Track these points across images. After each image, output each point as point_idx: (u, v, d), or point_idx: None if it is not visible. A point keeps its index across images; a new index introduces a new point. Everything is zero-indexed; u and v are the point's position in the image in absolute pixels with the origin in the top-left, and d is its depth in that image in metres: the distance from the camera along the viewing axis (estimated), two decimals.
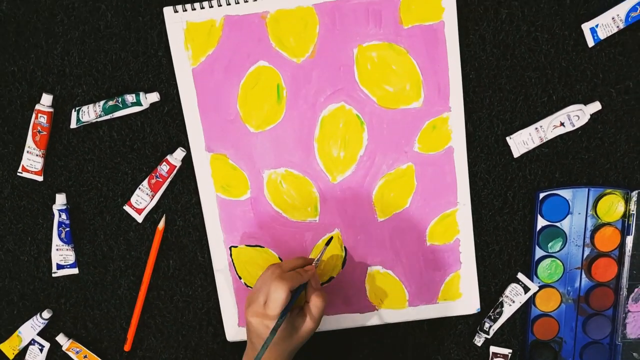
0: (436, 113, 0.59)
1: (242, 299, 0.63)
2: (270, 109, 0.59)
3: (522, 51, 0.59)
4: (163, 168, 0.60)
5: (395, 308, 0.63)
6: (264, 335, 0.51)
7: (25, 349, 0.65)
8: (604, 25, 0.57)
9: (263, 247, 0.62)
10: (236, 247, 0.62)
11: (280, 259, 0.62)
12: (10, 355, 0.65)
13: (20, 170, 0.61)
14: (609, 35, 0.58)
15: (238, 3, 0.57)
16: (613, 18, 0.57)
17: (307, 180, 0.61)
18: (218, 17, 0.57)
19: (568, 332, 0.63)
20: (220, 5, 0.57)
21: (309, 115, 0.59)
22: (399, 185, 0.60)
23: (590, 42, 0.58)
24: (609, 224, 0.61)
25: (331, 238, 0.61)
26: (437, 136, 0.59)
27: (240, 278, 0.63)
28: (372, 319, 0.64)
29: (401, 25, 0.57)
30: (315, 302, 0.54)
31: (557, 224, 0.61)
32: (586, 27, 0.58)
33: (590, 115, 0.59)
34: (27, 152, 0.60)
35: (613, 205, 0.60)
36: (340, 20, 0.57)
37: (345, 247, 0.62)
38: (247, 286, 0.63)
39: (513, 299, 0.62)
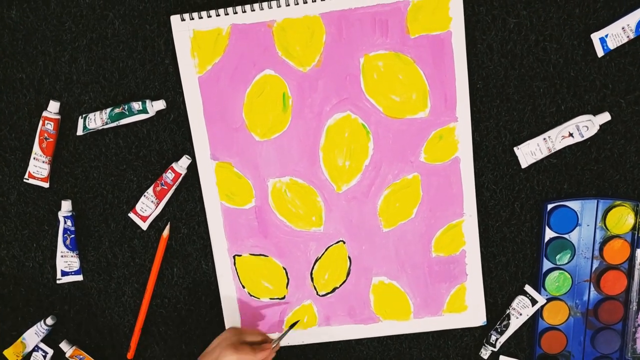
0: (443, 123, 0.58)
1: (246, 307, 0.63)
2: (275, 118, 0.59)
3: (531, 61, 0.58)
4: (168, 176, 0.60)
5: (399, 319, 0.62)
6: None
7: (29, 355, 0.65)
8: (614, 35, 0.57)
9: (267, 256, 0.62)
10: (240, 255, 0.62)
11: (284, 268, 0.62)
12: None
13: (26, 176, 0.61)
14: (618, 45, 0.57)
15: (245, 12, 0.57)
16: (623, 28, 0.56)
17: (312, 189, 0.60)
18: (225, 26, 0.58)
19: (576, 346, 0.62)
20: (227, 14, 0.57)
21: (315, 125, 0.59)
22: (404, 196, 0.60)
23: (600, 52, 0.57)
24: (618, 236, 0.60)
25: (297, 321, 0.62)
26: (444, 146, 0.59)
27: (243, 287, 0.63)
28: (376, 330, 0.63)
29: (408, 35, 0.57)
30: None
31: (565, 236, 0.60)
32: (596, 37, 0.57)
33: (600, 126, 0.58)
34: (34, 158, 0.61)
35: (622, 217, 0.59)
36: (346, 29, 0.57)
37: (349, 257, 0.62)
38: (251, 295, 0.63)
39: (520, 311, 0.61)
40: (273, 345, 0.58)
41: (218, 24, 0.57)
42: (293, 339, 0.63)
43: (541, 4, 0.57)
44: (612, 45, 0.57)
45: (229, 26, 0.58)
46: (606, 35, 0.57)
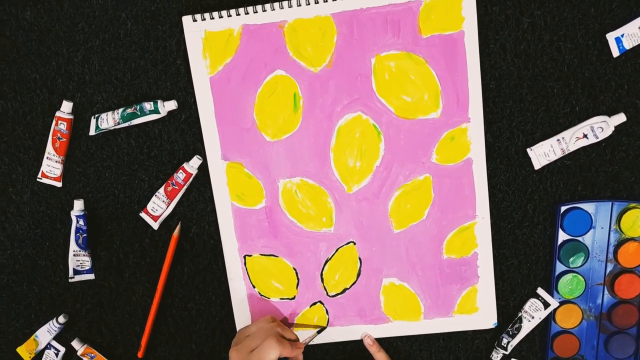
0: (455, 124, 0.58)
1: (256, 308, 0.63)
2: (286, 118, 0.59)
3: (544, 61, 0.57)
4: (179, 176, 0.60)
5: (410, 320, 0.62)
6: None
7: (41, 352, 0.66)
8: (630, 34, 0.56)
9: (277, 256, 0.62)
10: (250, 256, 0.62)
11: (294, 268, 0.62)
12: (27, 358, 0.66)
13: (39, 176, 0.62)
14: (635, 45, 0.56)
15: (256, 12, 0.57)
16: (639, 27, 0.56)
17: (322, 190, 0.60)
18: (236, 26, 0.58)
19: (589, 350, 0.61)
20: (239, 15, 0.57)
21: (326, 125, 0.59)
22: (415, 197, 0.59)
23: (616, 52, 0.56)
24: (633, 239, 0.59)
25: (324, 327, 0.62)
26: (456, 147, 0.58)
27: (254, 287, 0.63)
28: (386, 331, 0.63)
29: (420, 35, 0.56)
30: None
31: (579, 239, 0.59)
32: (611, 36, 0.56)
33: (615, 127, 0.57)
34: (47, 158, 0.61)
35: (638, 220, 0.58)
36: (358, 29, 0.57)
37: (360, 258, 0.61)
38: (261, 295, 0.63)
39: (532, 314, 0.60)
40: (305, 342, 0.60)
41: (229, 24, 0.57)
42: (302, 338, 0.63)
43: (555, 3, 0.56)
44: (628, 45, 0.56)
45: (240, 27, 0.58)
46: (622, 35, 0.56)
